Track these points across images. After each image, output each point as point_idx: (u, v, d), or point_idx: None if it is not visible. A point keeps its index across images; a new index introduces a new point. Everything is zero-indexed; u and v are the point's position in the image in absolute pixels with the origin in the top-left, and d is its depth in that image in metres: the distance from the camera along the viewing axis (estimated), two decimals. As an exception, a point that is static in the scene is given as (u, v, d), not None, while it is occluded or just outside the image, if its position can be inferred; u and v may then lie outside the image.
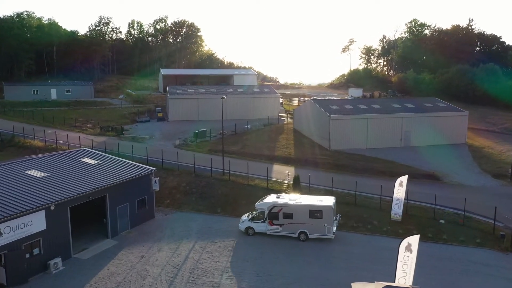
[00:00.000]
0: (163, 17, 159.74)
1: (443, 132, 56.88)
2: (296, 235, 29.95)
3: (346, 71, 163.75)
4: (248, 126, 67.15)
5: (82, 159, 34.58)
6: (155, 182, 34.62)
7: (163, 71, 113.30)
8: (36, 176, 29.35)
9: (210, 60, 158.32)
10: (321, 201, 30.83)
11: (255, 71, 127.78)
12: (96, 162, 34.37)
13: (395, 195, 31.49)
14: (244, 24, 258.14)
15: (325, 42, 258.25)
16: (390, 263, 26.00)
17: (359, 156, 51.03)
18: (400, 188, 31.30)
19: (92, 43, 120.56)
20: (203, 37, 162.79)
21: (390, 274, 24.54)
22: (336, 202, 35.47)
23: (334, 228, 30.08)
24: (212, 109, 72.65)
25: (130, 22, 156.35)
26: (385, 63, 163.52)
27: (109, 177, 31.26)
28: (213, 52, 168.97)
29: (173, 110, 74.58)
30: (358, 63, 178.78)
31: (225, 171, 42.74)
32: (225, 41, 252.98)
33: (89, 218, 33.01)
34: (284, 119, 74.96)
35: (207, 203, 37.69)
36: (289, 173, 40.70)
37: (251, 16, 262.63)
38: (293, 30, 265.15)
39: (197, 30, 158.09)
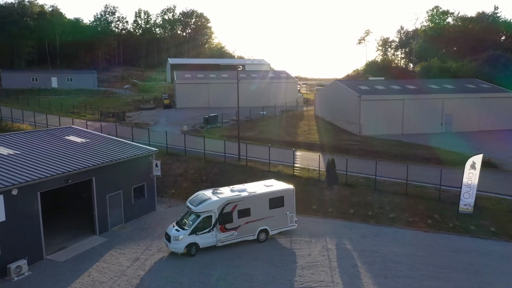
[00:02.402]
0: (171, 6, 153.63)
1: (489, 115, 49.49)
2: (255, 236, 22.72)
3: (360, 65, 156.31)
4: (264, 112, 60.38)
5: (67, 137, 27.98)
6: (157, 165, 27.83)
7: (171, 61, 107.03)
8: (1, 154, 22.74)
9: (220, 53, 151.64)
10: (271, 185, 24.17)
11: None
12: (83, 140, 27.74)
13: (465, 180, 24.27)
14: (255, 16, 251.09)
15: (338, 35, 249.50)
16: (474, 271, 19.10)
17: (395, 142, 43.92)
18: (472, 171, 24.10)
19: (96, 32, 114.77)
20: (212, 29, 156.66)
21: (478, 286, 17.57)
22: (383, 192, 28.85)
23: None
24: (223, 95, 66.36)
25: (137, 11, 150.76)
26: (402, 55, 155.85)
27: (96, 157, 24.57)
28: (223, 45, 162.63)
29: (180, 96, 67.95)
30: (374, 56, 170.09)
31: (241, 156, 35.95)
32: (235, 34, 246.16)
33: (77, 211, 26.53)
34: (303, 106, 68.07)
35: (220, 193, 30.81)
36: (320, 157, 33.60)
37: (262, 8, 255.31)
38: (304, 22, 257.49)
39: (207, 20, 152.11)
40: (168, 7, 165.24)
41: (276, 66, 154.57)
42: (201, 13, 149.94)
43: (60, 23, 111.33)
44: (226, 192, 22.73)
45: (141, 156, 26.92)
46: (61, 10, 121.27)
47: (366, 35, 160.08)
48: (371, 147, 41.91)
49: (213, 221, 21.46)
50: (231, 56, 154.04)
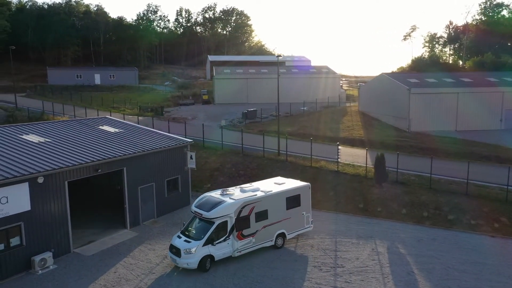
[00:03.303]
0: (212, 5, 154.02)
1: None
2: (273, 242, 19.86)
3: (405, 62, 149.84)
4: (305, 108, 57.91)
5: (100, 127, 27.03)
6: (191, 158, 26.30)
7: (211, 58, 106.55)
8: (32, 141, 21.93)
9: (260, 52, 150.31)
10: (283, 183, 21.41)
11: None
12: (116, 130, 26.67)
13: (540, 179, 21.02)
14: (295, 13, 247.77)
15: (381, 32, 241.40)
16: None
17: (448, 139, 40.29)
18: (549, 168, 20.79)
19: (139, 30, 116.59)
20: (253, 27, 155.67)
21: None
22: (439, 191, 25.86)
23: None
24: (262, 91, 64.35)
25: (178, 10, 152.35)
26: (451, 52, 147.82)
27: (128, 147, 23.32)
28: (263, 43, 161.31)
29: (219, 91, 66.69)
30: (420, 52, 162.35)
31: (281, 151, 33.90)
32: (276, 32, 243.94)
33: (110, 204, 25.47)
34: (346, 102, 65.09)
35: (258, 188, 28.86)
36: (369, 147, 30.98)
37: (302, 5, 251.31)
38: (346, 19, 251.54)
39: (247, 18, 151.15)
40: (209, 5, 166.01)
41: (317, 64, 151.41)
42: (241, 11, 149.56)
43: (104, 22, 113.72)
44: (237, 192, 19.66)
45: (175, 147, 25.44)
46: (105, 10, 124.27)
47: (412, 31, 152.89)
48: (422, 143, 38.61)
49: (229, 227, 18.31)
50: (271, 54, 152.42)
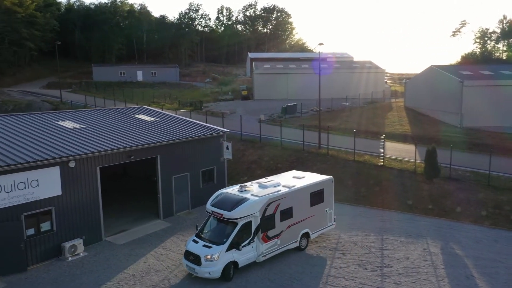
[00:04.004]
0: (253, 2, 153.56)
1: None
2: (298, 244, 17.65)
3: (453, 59, 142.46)
4: (347, 103, 55.62)
5: (136, 115, 26.52)
6: (227, 148, 25.19)
7: (251, 55, 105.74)
8: (67, 127, 21.60)
9: (301, 50, 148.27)
10: (303, 177, 19.09)
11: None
12: (152, 119, 26.06)
13: None
14: (337, 9, 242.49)
15: (427, 28, 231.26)
16: None
17: (508, 135, 36.93)
18: None
19: (180, 29, 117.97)
20: (293, 24, 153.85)
21: None
22: (499, 189, 23.33)
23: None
24: (303, 86, 62.46)
25: (219, 8, 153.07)
26: (504, 48, 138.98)
27: (162, 135, 22.56)
28: (304, 41, 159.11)
29: (259, 87, 65.53)
30: (470, 49, 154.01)
31: (321, 145, 32.23)
32: (317, 30, 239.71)
33: (145, 194, 24.95)
34: (391, 98, 62.16)
35: (297, 182, 27.39)
36: (417, 142, 28.72)
37: (344, 1, 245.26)
38: (390, 15, 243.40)
39: (288, 16, 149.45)
40: (250, 3, 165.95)
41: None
42: (282, 8, 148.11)
43: (147, 21, 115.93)
44: (256, 188, 17.31)
45: (210, 136, 24.44)
46: (148, 9, 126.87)
47: (461, 26, 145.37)
48: (477, 139, 35.60)
49: (253, 228, 15.93)
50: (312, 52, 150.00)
